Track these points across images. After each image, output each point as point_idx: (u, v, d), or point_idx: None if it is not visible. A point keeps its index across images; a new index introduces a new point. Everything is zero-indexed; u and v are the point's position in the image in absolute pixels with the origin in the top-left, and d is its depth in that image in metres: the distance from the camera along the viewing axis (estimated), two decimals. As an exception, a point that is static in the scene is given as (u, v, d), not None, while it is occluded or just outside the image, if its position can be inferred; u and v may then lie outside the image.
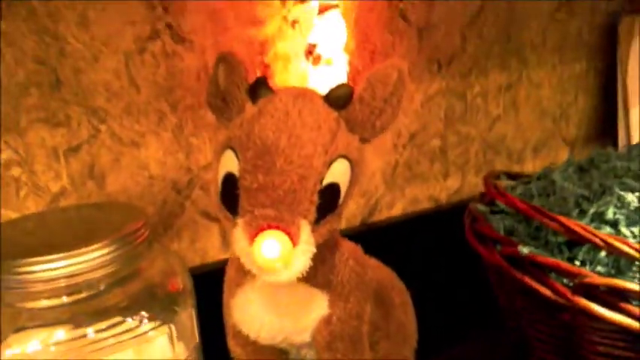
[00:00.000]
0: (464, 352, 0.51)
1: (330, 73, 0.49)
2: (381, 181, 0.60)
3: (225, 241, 0.53)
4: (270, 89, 0.35)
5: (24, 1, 0.41)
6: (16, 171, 0.44)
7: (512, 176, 0.53)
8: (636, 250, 0.33)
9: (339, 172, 0.33)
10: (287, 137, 0.31)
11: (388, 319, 0.45)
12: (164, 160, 0.49)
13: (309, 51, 0.49)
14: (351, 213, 0.60)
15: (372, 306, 0.41)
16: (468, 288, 0.56)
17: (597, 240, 0.34)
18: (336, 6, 0.49)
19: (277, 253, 0.29)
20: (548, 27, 0.67)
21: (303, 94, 0.34)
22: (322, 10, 0.49)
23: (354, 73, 0.52)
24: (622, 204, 0.39)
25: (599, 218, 0.38)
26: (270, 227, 0.30)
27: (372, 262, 0.44)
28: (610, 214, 0.38)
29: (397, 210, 0.62)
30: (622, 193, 0.39)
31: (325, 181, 0.32)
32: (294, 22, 0.50)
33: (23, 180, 0.44)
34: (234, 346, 0.41)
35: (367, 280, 0.40)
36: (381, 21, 0.56)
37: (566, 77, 0.70)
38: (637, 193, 0.40)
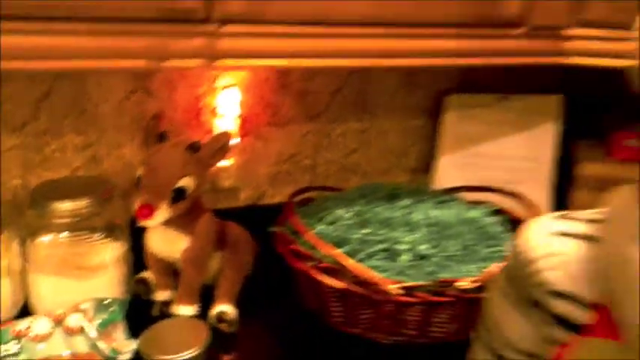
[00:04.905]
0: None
1: (224, 122, 0.89)
2: (267, 182, 1.00)
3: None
4: (166, 138, 0.76)
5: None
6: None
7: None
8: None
9: (186, 182, 0.73)
10: (159, 165, 0.72)
11: (235, 256, 0.85)
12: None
13: (215, 108, 0.89)
14: (249, 198, 1.01)
15: (228, 247, 0.83)
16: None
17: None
18: (235, 84, 0.89)
19: (147, 214, 0.71)
20: (397, 93, 1.03)
21: (176, 144, 0.74)
22: (226, 87, 0.89)
23: (244, 123, 0.92)
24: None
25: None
26: (146, 202, 0.71)
27: (233, 224, 0.85)
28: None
29: (276, 200, 1.01)
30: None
31: (178, 185, 0.73)
32: (213, 90, 0.90)
33: (60, 160, 0.87)
34: (148, 259, 0.83)
35: (212, 231, 0.80)
36: (272, 88, 0.95)
37: (410, 128, 1.06)
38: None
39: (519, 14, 0.71)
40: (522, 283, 0.48)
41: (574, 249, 0.45)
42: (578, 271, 0.45)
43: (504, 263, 0.52)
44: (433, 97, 1.05)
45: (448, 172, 1.05)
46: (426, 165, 1.09)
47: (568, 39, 0.74)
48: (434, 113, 1.07)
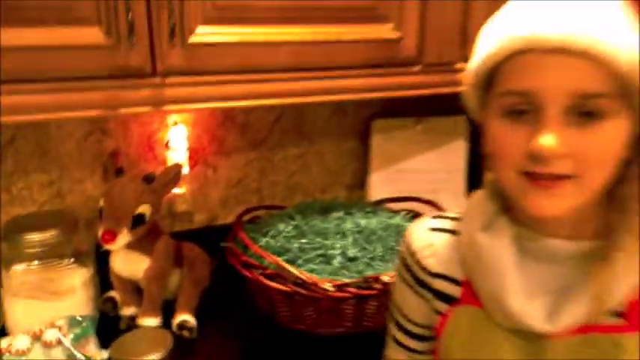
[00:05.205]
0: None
1: (176, 154, 1.01)
2: (219, 205, 1.12)
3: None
4: (123, 172, 0.87)
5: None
6: (25, 193, 0.96)
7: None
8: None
9: (143, 209, 0.85)
10: (118, 196, 0.83)
11: (192, 272, 0.97)
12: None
13: (167, 142, 1.01)
14: (203, 220, 1.12)
15: (186, 264, 0.94)
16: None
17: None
18: (181, 122, 1.01)
19: (110, 239, 0.82)
20: (330, 120, 1.18)
21: (133, 177, 0.86)
22: (174, 123, 1.01)
23: (193, 154, 1.04)
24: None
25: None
26: (109, 228, 0.82)
27: (189, 243, 0.97)
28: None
29: (228, 220, 1.13)
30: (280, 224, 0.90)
31: (136, 212, 0.84)
32: (164, 126, 1.02)
33: (28, 197, 0.97)
34: (113, 279, 0.94)
35: (170, 251, 0.92)
36: (217, 122, 1.08)
37: (344, 150, 1.21)
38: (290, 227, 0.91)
39: (415, 55, 0.87)
40: (412, 269, 0.62)
41: (443, 240, 0.60)
42: (447, 256, 0.59)
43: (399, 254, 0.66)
44: (362, 121, 1.21)
45: (379, 186, 1.20)
46: (360, 181, 1.24)
47: (458, 72, 0.90)
48: (364, 136, 1.22)
